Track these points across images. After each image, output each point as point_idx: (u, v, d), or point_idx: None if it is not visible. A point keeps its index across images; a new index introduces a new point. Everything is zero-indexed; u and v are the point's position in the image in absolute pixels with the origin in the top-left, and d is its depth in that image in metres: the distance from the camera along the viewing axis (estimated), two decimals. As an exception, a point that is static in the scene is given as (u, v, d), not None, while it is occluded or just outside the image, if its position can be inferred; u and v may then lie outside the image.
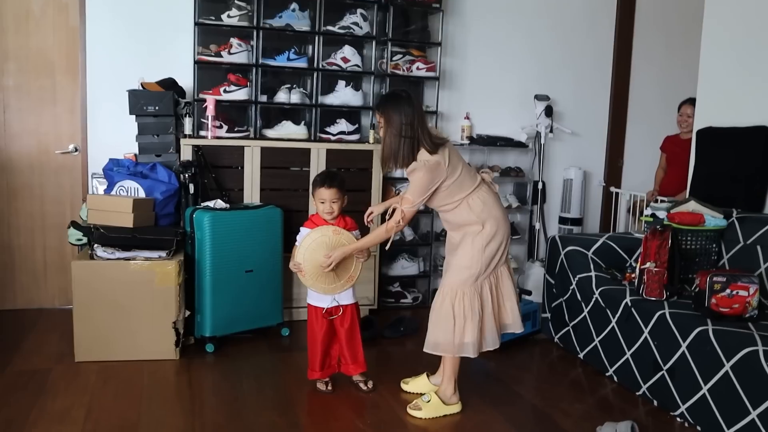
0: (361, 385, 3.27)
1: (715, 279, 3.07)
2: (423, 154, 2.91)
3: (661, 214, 3.82)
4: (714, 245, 3.72)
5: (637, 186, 5.27)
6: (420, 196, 2.93)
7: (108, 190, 3.79)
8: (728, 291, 3.06)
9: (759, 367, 2.62)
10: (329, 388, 3.24)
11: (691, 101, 4.70)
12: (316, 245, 3.10)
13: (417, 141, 2.91)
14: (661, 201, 4.53)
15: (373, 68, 4.50)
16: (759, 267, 3.49)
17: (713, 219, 3.71)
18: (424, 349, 3.05)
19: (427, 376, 3.35)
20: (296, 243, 3.19)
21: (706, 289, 3.08)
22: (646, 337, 3.24)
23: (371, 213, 3.31)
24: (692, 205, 3.78)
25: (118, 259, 3.49)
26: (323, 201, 3.11)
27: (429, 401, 3.07)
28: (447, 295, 3.01)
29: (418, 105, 3.00)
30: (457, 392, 3.12)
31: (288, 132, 4.30)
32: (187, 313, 3.68)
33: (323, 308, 3.18)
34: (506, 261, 3.13)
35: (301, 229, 3.21)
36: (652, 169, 5.21)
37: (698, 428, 2.95)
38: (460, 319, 2.98)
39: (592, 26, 5.30)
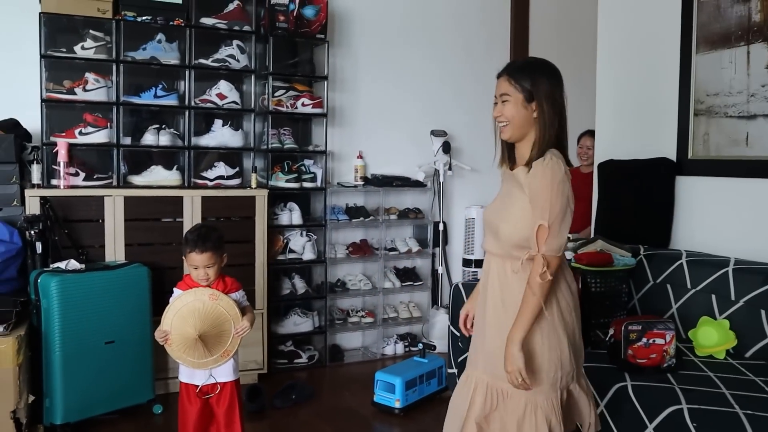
0: None
1: (630, 328, 2.79)
2: (552, 157, 2.05)
3: (568, 255, 3.57)
4: (624, 286, 3.49)
5: (540, 223, 5.07)
6: (562, 221, 2.01)
7: (-68, 254, 3.17)
8: (644, 340, 2.80)
9: (685, 428, 2.34)
10: None
11: (591, 133, 4.57)
12: (187, 311, 2.59)
13: (555, 139, 2.09)
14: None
15: (253, 105, 4.08)
16: (670, 307, 3.29)
17: (621, 258, 3.49)
18: None
19: None
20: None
21: (622, 340, 2.80)
22: (560, 395, 2.93)
23: (467, 314, 2.35)
24: (599, 244, 3.55)
25: (-60, 338, 2.88)
26: (196, 267, 2.61)
27: None
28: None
29: None
30: None
31: (158, 178, 3.81)
32: (32, 398, 3.08)
33: (197, 386, 2.68)
34: None
35: (174, 290, 2.72)
36: (554, 205, 5.02)
37: (623, 496, 2.65)
38: None
39: (486, 58, 5.11)
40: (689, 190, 3.59)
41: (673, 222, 3.66)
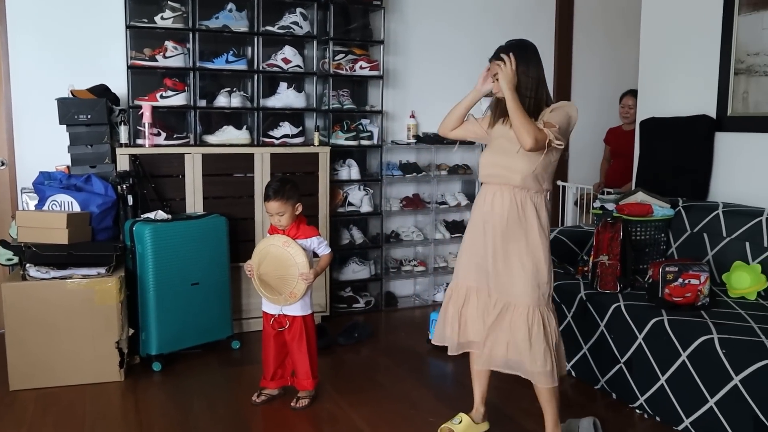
0: (293, 401, 3.10)
1: (667, 269, 3.08)
2: None
3: (610, 206, 3.83)
4: (662, 235, 3.75)
5: (583, 179, 5.30)
6: (563, 129, 2.49)
7: (39, 206, 3.57)
8: (680, 280, 3.08)
9: (715, 355, 2.64)
10: (258, 399, 3.14)
11: (632, 92, 4.77)
12: (265, 253, 3.04)
13: (540, 102, 2.55)
14: (608, 193, 4.57)
15: (315, 68, 4.38)
16: (706, 254, 3.54)
17: (661, 209, 3.75)
18: (551, 385, 2.55)
19: (469, 415, 2.84)
20: None
21: (659, 280, 3.09)
22: (602, 331, 3.23)
23: None
24: (640, 196, 3.81)
25: (53, 278, 3.29)
26: (270, 214, 3.01)
27: None
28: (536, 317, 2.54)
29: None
30: None
31: (230, 137, 4.15)
32: (131, 331, 3.50)
33: (271, 316, 3.09)
34: None
35: (266, 234, 3.21)
36: (596, 162, 5.25)
37: (657, 419, 2.96)
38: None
39: (533, 21, 5.29)
40: (728, 145, 3.79)
41: (711, 176, 3.88)
